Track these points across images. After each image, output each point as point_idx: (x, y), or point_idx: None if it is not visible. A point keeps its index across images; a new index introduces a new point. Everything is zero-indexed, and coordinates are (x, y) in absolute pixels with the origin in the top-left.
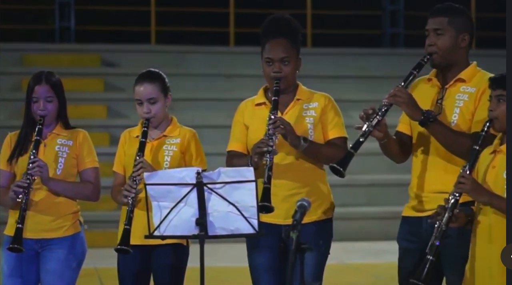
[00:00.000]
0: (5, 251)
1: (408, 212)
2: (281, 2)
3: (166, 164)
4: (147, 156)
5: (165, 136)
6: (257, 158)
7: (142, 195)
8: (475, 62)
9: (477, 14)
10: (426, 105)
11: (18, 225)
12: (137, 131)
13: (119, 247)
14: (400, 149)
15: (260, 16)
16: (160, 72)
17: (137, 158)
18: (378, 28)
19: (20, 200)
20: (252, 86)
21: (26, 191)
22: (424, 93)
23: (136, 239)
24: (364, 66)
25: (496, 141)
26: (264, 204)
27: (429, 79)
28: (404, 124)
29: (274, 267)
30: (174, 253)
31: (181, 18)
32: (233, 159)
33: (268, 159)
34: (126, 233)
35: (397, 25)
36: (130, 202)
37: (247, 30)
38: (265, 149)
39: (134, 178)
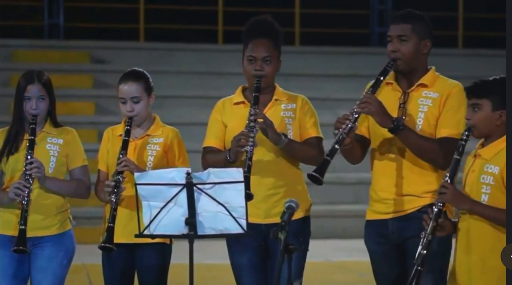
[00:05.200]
0: None
1: (372, 215)
2: (269, 1)
3: (150, 164)
4: (131, 155)
5: (148, 135)
6: (237, 149)
7: (125, 193)
8: (433, 67)
9: (465, 14)
10: (389, 108)
11: (21, 227)
12: (120, 129)
13: (102, 245)
14: (362, 151)
15: (248, 15)
16: (145, 71)
17: (120, 156)
18: (366, 27)
19: (20, 201)
20: (240, 83)
21: (27, 192)
22: (387, 96)
23: (120, 237)
24: (352, 65)
25: (478, 145)
26: (245, 191)
27: (389, 83)
28: (362, 127)
29: (256, 266)
30: (158, 252)
31: (170, 16)
32: (209, 154)
33: (249, 150)
34: (110, 231)
35: (385, 24)
36: (114, 200)
37: (235, 28)
38: (247, 139)
39: (117, 176)
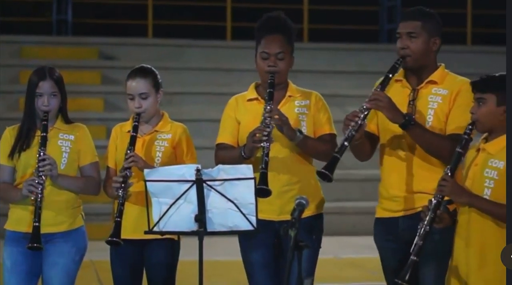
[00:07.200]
0: (8, 246)
1: (382, 213)
2: None
3: (158, 160)
4: (139, 151)
5: (156, 131)
6: (254, 145)
7: (133, 189)
8: (443, 65)
9: (473, 10)
10: (399, 105)
11: (35, 224)
12: (128, 126)
13: (110, 239)
14: (371, 147)
15: (257, 11)
16: (152, 68)
17: (128, 152)
18: (375, 24)
19: (34, 198)
20: (249, 80)
21: (40, 189)
22: (397, 93)
23: (128, 233)
24: (361, 61)
25: (481, 140)
26: (262, 187)
27: (398, 80)
28: (371, 124)
29: (269, 263)
30: (167, 248)
31: (178, 12)
32: (222, 151)
33: (265, 146)
34: (117, 225)
35: (394, 21)
36: (121, 195)
37: (244, 25)
38: (263, 134)
39: (125, 171)
